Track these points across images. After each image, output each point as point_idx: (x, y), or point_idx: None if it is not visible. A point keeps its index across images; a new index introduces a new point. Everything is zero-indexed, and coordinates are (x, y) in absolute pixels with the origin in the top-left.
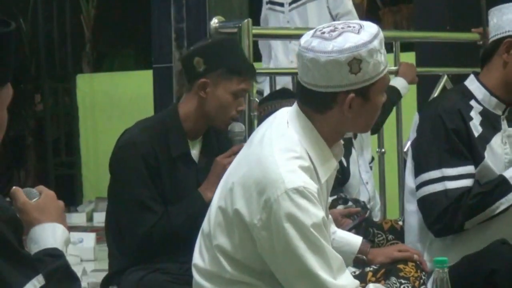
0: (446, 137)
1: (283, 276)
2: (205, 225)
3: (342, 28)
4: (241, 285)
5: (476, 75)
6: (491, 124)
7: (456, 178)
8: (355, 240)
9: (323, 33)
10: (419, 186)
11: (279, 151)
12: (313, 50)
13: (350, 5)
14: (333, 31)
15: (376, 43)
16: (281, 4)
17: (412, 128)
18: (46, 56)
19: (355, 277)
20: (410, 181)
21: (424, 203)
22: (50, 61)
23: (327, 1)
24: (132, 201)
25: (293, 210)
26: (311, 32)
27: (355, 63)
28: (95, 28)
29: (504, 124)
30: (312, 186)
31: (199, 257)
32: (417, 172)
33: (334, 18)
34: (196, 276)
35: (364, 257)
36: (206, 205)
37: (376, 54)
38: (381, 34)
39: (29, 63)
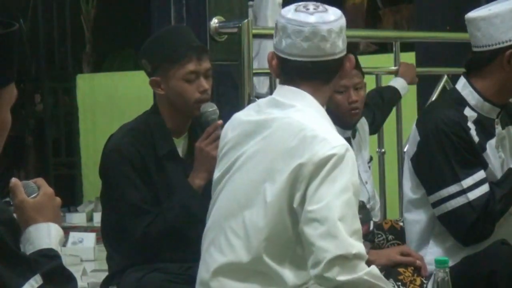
0: (455, 150)
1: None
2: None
3: None
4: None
5: (467, 78)
6: (485, 131)
7: (475, 186)
8: None
9: None
10: (438, 203)
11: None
12: None
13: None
14: None
15: None
16: None
17: (410, 140)
18: (46, 56)
19: None
20: (409, 192)
21: (450, 218)
22: (50, 61)
23: None
24: (125, 206)
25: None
26: None
27: None
28: (95, 28)
29: (498, 128)
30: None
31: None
32: (432, 189)
33: None
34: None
35: None
36: (196, 193)
37: None
38: None
39: (29, 63)
